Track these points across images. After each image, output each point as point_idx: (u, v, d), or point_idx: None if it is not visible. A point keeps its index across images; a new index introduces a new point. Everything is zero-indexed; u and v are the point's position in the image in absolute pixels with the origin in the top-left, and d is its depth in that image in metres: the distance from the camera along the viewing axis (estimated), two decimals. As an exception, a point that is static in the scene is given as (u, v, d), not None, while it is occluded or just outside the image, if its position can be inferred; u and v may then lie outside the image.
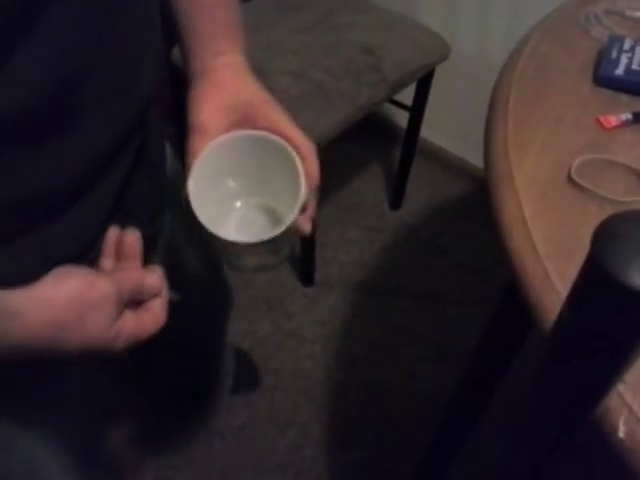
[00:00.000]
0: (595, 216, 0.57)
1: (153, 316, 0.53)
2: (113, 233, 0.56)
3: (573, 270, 0.54)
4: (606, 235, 0.22)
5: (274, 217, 0.56)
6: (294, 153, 0.53)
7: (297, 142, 0.53)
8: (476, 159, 1.84)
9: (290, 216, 0.51)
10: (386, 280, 1.67)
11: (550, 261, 0.53)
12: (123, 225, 0.57)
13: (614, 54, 0.71)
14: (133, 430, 1.34)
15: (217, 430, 1.36)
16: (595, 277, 0.22)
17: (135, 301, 0.52)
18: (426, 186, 1.90)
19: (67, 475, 0.67)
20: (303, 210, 0.53)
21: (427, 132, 1.80)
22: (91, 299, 0.47)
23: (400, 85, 1.36)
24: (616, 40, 0.73)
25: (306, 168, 0.53)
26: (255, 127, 0.54)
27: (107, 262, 0.55)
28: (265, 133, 0.54)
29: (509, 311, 0.88)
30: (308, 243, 1.53)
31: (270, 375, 1.45)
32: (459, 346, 1.51)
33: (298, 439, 1.35)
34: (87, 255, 0.55)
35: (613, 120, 0.65)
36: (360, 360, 1.49)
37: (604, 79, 0.70)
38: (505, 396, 0.99)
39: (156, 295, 0.54)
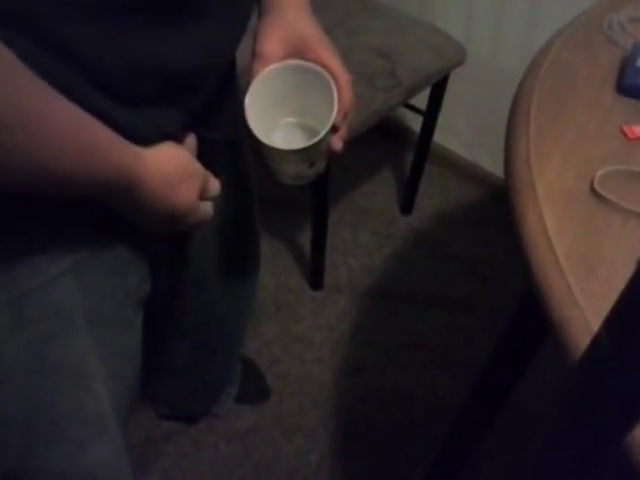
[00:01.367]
0: (619, 229, 0.56)
1: (209, 208, 0.65)
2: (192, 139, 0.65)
3: (596, 284, 0.53)
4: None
5: (312, 134, 0.65)
6: (331, 81, 0.62)
7: (336, 73, 0.63)
8: (489, 165, 1.83)
9: (322, 131, 0.61)
10: (395, 285, 1.65)
11: (573, 274, 0.52)
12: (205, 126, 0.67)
13: (639, 62, 0.69)
14: (140, 432, 1.34)
15: (224, 433, 1.35)
16: (638, 302, 0.21)
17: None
18: (438, 192, 1.89)
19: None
20: (335, 130, 0.64)
21: (440, 137, 1.79)
22: (191, 168, 0.60)
23: (415, 90, 1.34)
24: (640, 48, 0.72)
25: (340, 95, 0.63)
26: (305, 58, 0.64)
27: None
28: (310, 63, 0.64)
29: (524, 320, 0.87)
30: (317, 246, 1.52)
31: (277, 379, 1.44)
32: (467, 353, 1.49)
33: (305, 444, 1.34)
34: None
35: (637, 130, 0.64)
36: (368, 365, 1.48)
37: (628, 88, 0.68)
38: (517, 406, 0.98)
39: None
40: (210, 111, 0.67)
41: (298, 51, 0.64)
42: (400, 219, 1.81)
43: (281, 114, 0.68)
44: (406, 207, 1.82)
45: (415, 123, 1.76)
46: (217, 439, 1.34)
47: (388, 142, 2.00)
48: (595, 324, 0.48)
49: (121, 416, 0.69)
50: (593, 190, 0.58)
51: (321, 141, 0.62)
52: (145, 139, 0.55)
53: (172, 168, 0.57)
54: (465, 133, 1.85)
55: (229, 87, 0.72)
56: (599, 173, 0.59)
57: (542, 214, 0.57)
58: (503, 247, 1.71)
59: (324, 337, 1.53)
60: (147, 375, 1.17)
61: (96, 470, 0.64)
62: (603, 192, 0.57)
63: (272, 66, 0.64)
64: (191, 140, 0.64)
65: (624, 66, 0.71)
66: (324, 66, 0.63)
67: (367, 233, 1.76)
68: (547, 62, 0.73)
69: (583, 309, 0.50)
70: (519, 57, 0.77)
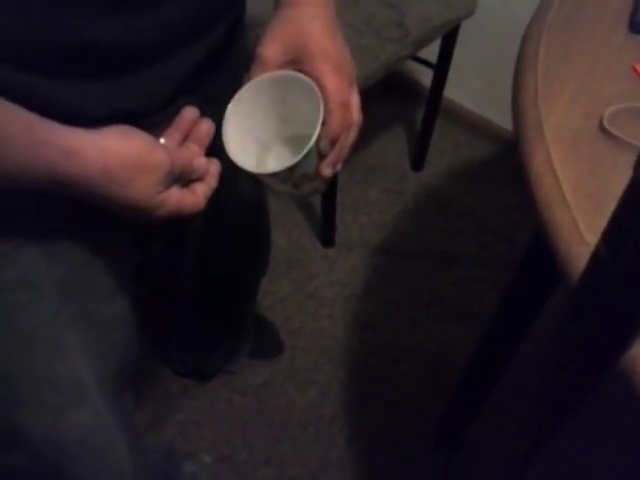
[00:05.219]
0: (626, 166, 0.55)
1: (194, 198, 0.57)
2: (192, 113, 0.60)
3: (603, 221, 0.52)
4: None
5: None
6: (320, 101, 0.57)
7: (328, 94, 0.57)
8: (501, 120, 1.80)
9: (294, 158, 0.55)
10: (406, 242, 1.65)
11: (579, 211, 0.52)
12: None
13: (651, -1, 0.68)
14: (158, 387, 1.36)
15: (239, 388, 1.37)
16: (638, 205, 0.21)
17: (185, 179, 0.57)
18: (449, 148, 1.87)
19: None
20: (323, 156, 0.59)
21: (451, 92, 1.76)
22: (147, 163, 0.51)
23: (424, 41, 1.32)
24: (653, -16, 0.69)
25: (329, 120, 0.57)
26: (301, 70, 0.59)
27: (176, 135, 0.59)
28: (303, 77, 0.58)
29: (531, 271, 0.87)
30: (328, 204, 1.52)
31: (290, 335, 1.46)
32: (478, 308, 1.50)
33: (318, 398, 1.36)
34: (148, 118, 0.58)
35: (648, 68, 0.63)
36: (380, 321, 1.49)
37: (640, 25, 0.67)
38: (524, 358, 0.99)
39: (202, 179, 0.58)
40: (207, 84, 0.63)
41: (297, 60, 0.59)
42: (411, 175, 1.80)
43: (277, 128, 0.63)
44: (417, 163, 1.80)
45: (426, 78, 1.73)
46: (232, 393, 1.36)
47: (398, 98, 1.98)
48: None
49: (109, 383, 0.68)
50: (601, 128, 0.58)
51: (295, 167, 0.56)
52: (95, 117, 0.51)
53: (119, 165, 0.50)
54: (476, 88, 1.82)
55: (226, 54, 0.66)
56: (608, 111, 0.58)
57: (549, 153, 0.56)
58: (514, 202, 1.70)
59: (336, 293, 1.54)
60: (159, 336, 1.18)
61: (79, 435, 0.65)
62: (612, 129, 0.57)
63: (262, 76, 0.59)
64: (207, 126, 0.59)
65: (637, 3, 0.69)
66: (318, 82, 0.58)
67: (378, 190, 1.76)
68: (557, 1, 0.71)
69: (590, 245, 0.50)
70: (531, 7, 0.75)
